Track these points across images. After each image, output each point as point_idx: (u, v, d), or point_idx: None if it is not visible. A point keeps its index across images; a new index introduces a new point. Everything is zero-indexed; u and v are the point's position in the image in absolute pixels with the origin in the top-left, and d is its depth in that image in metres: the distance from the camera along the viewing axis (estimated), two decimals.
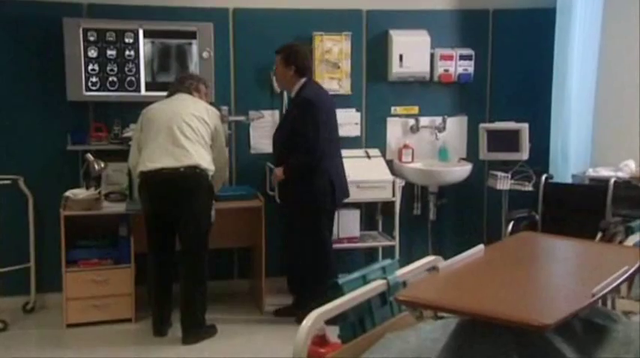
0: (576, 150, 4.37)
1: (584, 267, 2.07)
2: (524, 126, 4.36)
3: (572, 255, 2.23)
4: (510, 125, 4.40)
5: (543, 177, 4.12)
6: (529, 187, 4.31)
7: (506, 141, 4.35)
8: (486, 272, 1.98)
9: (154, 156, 3.52)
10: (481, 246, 2.16)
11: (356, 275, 2.12)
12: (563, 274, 2.00)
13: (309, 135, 3.59)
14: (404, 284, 2.17)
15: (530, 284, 1.92)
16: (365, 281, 2.12)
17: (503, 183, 4.32)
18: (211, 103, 3.93)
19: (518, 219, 4.04)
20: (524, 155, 4.35)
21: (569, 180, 4.31)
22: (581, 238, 2.77)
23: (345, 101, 4.42)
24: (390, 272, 2.17)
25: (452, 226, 4.71)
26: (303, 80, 3.75)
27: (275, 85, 4.23)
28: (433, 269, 2.18)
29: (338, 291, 2.00)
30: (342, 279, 2.07)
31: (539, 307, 1.72)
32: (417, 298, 1.82)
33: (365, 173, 4.24)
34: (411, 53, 4.39)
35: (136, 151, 3.68)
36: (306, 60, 3.80)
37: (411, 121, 4.55)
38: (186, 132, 3.52)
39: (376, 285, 2.07)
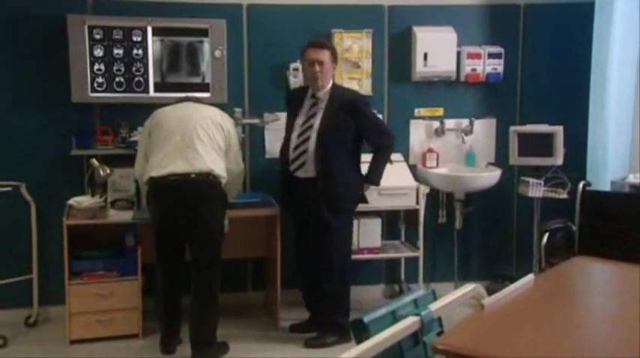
0: (615, 155, 4.00)
1: None
2: (559, 129, 4.02)
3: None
4: (543, 128, 4.07)
5: (581, 185, 3.75)
6: (564, 195, 3.96)
7: (539, 145, 4.02)
8: (540, 312, 1.62)
9: (164, 161, 3.28)
10: (531, 277, 1.80)
11: (384, 311, 1.77)
12: (633, 317, 1.62)
13: (379, 123, 3.61)
14: (439, 321, 1.82)
15: (596, 331, 1.55)
16: (394, 318, 1.77)
17: (536, 190, 3.97)
18: (223, 106, 3.69)
19: (553, 230, 3.67)
20: (559, 160, 4.02)
21: (608, 188, 3.95)
22: (623, 252, 2.41)
23: None
24: (424, 307, 1.82)
25: (479, 236, 4.42)
26: (332, 79, 3.56)
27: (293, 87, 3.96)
28: (473, 300, 1.82)
29: (363, 332, 1.65)
30: (369, 317, 1.72)
31: None
32: (459, 348, 1.47)
33: (387, 179, 3.85)
34: (436, 51, 4.12)
35: (143, 160, 3.42)
36: None
37: (436, 124, 4.27)
38: (201, 135, 3.30)
39: (408, 324, 1.72)
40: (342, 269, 3.56)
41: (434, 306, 1.84)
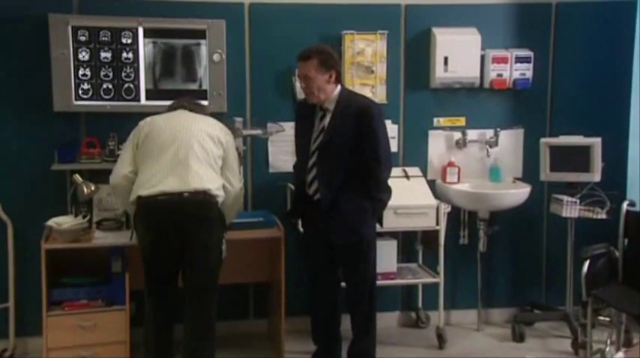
0: None
1: None
2: (596, 142, 3.56)
3: None
4: (578, 140, 3.63)
5: (625, 204, 3.26)
6: (602, 215, 3.50)
7: (574, 159, 3.59)
8: None
9: (155, 178, 2.90)
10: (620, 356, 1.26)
11: None
12: None
13: (383, 146, 3.05)
14: None
15: None
16: None
17: (571, 209, 3.52)
18: (223, 115, 3.37)
19: (594, 256, 3.16)
20: (596, 176, 3.56)
21: None
22: None
23: None
24: None
25: (505, 259, 3.98)
26: (339, 87, 3.13)
27: (299, 94, 3.54)
28: None
29: None
30: None
31: None
32: None
33: (403, 196, 3.47)
34: (458, 55, 3.75)
35: (127, 164, 2.99)
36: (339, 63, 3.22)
37: (458, 135, 3.87)
38: (196, 149, 2.93)
39: None
40: (369, 298, 3.20)
41: None
